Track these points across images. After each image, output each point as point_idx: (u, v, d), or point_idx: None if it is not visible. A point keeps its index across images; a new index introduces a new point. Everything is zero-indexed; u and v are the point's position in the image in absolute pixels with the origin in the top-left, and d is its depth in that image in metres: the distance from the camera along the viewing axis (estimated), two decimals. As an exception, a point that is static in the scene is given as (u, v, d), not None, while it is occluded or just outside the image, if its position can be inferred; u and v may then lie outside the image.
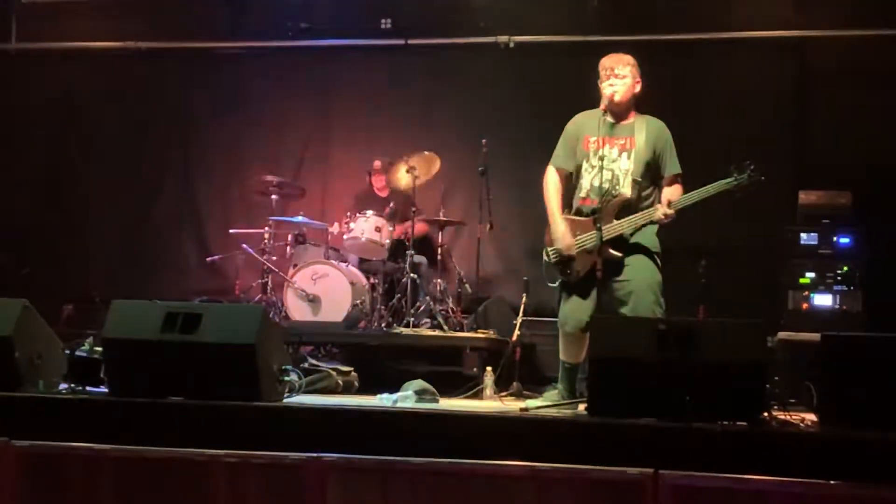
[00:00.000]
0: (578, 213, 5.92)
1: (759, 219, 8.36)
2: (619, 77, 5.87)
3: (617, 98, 5.83)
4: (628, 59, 5.94)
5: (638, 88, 5.94)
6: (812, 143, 8.84)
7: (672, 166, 5.90)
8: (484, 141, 8.41)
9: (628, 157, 5.84)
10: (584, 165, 5.92)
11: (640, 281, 5.74)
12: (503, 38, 9.52)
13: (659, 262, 5.83)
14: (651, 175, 5.87)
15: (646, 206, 5.82)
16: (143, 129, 10.18)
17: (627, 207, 5.78)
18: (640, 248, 5.79)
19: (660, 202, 5.80)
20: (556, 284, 5.95)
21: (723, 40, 9.11)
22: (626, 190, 5.81)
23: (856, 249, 7.83)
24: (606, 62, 5.92)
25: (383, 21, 9.73)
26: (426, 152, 8.40)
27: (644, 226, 5.79)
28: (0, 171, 10.15)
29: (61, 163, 10.24)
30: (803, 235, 7.89)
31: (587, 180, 5.89)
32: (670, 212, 5.69)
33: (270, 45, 10.07)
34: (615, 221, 5.72)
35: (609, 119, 5.85)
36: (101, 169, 10.09)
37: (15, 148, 10.21)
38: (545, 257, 5.96)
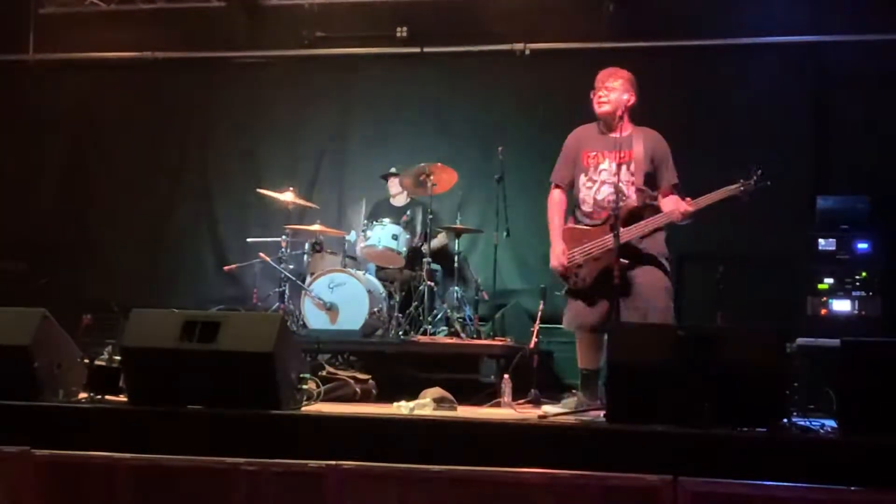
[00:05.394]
0: (583, 224, 5.97)
1: (778, 225, 8.35)
2: (608, 90, 5.96)
3: (602, 110, 5.96)
4: (622, 73, 6.02)
5: (631, 102, 5.97)
6: (830, 149, 8.81)
7: (670, 176, 5.94)
8: (500, 148, 8.41)
9: (628, 168, 5.87)
10: (584, 179, 5.98)
11: (652, 287, 5.75)
12: (519, 46, 9.52)
13: (668, 266, 5.84)
14: (650, 184, 5.91)
15: (650, 215, 5.83)
16: (160, 138, 10.22)
17: (635, 216, 5.80)
18: (649, 255, 5.81)
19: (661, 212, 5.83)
20: (563, 293, 6.00)
21: (739, 46, 9.09)
22: (632, 199, 5.83)
23: (874, 255, 7.80)
24: (599, 75, 6.04)
25: (399, 29, 9.75)
26: (442, 165, 8.36)
27: (652, 232, 5.81)
28: (18, 181, 10.22)
29: (79, 172, 10.29)
30: (821, 241, 7.86)
31: (589, 195, 5.95)
32: (690, 209, 5.70)
33: (287, 54, 10.10)
34: (622, 229, 5.72)
35: (605, 132, 5.90)
36: (119, 178, 10.12)
37: (33, 158, 10.26)
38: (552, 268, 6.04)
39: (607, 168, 5.86)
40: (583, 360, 5.98)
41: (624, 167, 5.86)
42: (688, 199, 5.78)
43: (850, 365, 4.44)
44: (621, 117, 5.93)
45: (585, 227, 5.93)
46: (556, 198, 6.12)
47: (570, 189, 6.09)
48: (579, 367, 6.01)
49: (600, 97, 5.96)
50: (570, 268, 5.88)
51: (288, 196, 8.52)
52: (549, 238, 6.06)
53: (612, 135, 5.88)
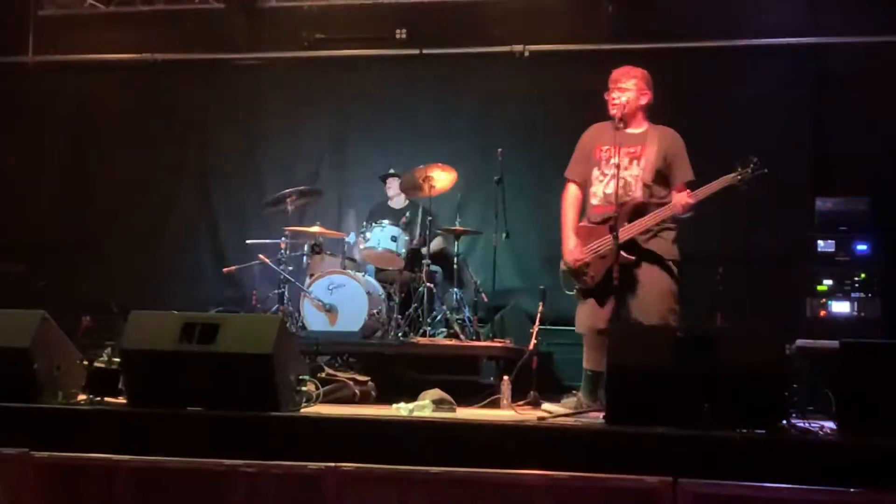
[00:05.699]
0: (591, 221, 5.96)
1: (777, 226, 8.35)
2: (622, 90, 5.95)
3: (615, 112, 5.92)
4: (636, 72, 6.01)
5: (644, 100, 5.98)
6: (829, 150, 8.82)
7: (684, 174, 5.92)
8: (499, 150, 8.41)
9: (639, 164, 5.87)
10: (596, 173, 5.98)
11: (654, 288, 5.75)
12: (518, 47, 9.54)
13: (675, 269, 5.82)
14: (662, 182, 5.91)
15: (654, 210, 5.83)
16: (159, 140, 10.22)
17: (640, 211, 5.80)
18: (655, 256, 5.80)
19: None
20: (574, 292, 5.98)
21: (738, 47, 9.10)
22: (638, 194, 5.83)
23: (874, 256, 7.81)
24: (613, 74, 6.03)
25: (398, 31, 9.76)
26: (442, 165, 8.35)
27: (660, 231, 5.81)
28: (18, 183, 10.22)
29: (79, 173, 10.30)
30: (821, 242, 7.87)
31: (600, 188, 5.94)
32: (691, 201, 5.71)
33: (286, 55, 10.11)
34: (626, 224, 5.72)
35: (619, 129, 5.88)
36: (119, 180, 10.13)
37: (32, 159, 10.27)
38: (562, 266, 6.01)
39: (619, 163, 5.84)
40: (588, 360, 5.96)
41: (635, 163, 5.87)
42: (687, 191, 5.79)
43: (849, 366, 4.44)
44: (633, 116, 5.93)
45: (592, 225, 5.94)
46: (572, 193, 6.10)
47: (584, 181, 6.06)
48: (584, 368, 5.99)
49: (613, 98, 5.96)
50: (580, 262, 5.86)
51: (293, 196, 8.55)
52: (562, 233, 6.03)
53: (626, 131, 5.88)
